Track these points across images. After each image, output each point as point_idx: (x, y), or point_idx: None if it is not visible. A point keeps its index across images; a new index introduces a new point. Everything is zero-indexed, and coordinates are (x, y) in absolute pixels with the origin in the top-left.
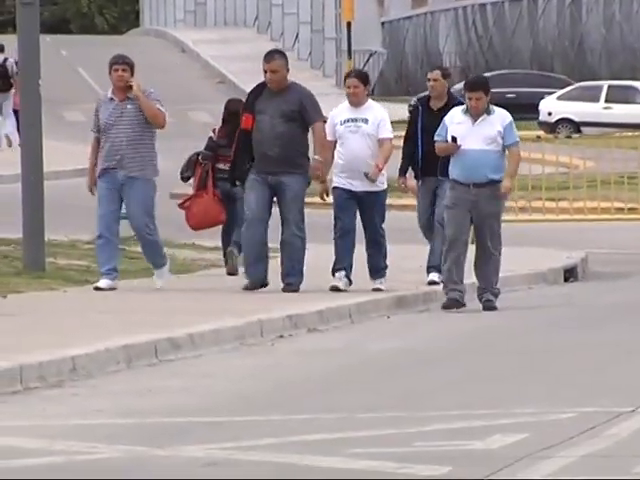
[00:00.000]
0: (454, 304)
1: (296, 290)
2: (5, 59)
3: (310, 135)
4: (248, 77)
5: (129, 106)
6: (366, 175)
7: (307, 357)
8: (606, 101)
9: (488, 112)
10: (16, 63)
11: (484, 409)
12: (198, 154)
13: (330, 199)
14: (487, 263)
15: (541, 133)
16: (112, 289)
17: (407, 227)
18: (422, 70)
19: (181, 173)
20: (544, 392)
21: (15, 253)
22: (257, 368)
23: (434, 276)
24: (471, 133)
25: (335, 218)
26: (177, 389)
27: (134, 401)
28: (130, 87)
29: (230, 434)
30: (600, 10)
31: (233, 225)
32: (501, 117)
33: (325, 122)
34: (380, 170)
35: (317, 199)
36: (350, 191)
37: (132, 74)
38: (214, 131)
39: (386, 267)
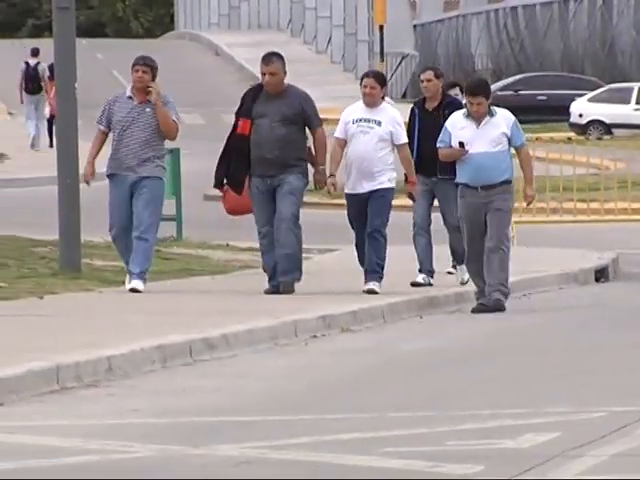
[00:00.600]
0: (483, 309)
1: (292, 290)
2: (37, 63)
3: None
4: None
5: (148, 109)
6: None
7: (340, 357)
8: (637, 103)
9: (490, 114)
10: (50, 68)
11: (515, 408)
12: None
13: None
14: (494, 259)
15: (572, 135)
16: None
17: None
18: (454, 73)
19: None
20: (575, 392)
21: (51, 254)
22: (290, 368)
23: (467, 276)
24: (477, 136)
25: (351, 227)
26: (211, 389)
27: (169, 401)
28: (150, 92)
29: (263, 433)
30: (631, 13)
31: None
32: (505, 118)
33: (322, 124)
34: (414, 183)
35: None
36: (360, 196)
37: (154, 77)
38: None
39: (381, 271)
